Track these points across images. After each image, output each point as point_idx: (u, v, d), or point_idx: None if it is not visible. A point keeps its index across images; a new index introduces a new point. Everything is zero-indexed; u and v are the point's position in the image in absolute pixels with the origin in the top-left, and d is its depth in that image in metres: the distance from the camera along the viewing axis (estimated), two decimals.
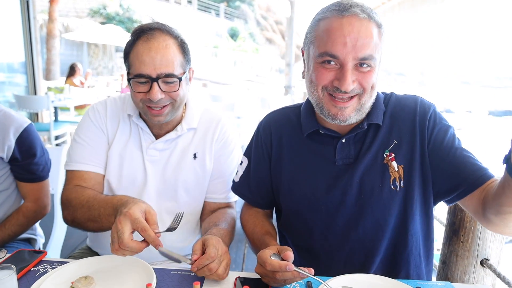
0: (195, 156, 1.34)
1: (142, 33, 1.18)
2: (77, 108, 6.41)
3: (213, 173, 1.38)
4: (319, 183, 1.12)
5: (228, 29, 26.04)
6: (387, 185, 1.07)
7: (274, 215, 1.37)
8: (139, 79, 1.17)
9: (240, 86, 16.47)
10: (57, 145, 5.39)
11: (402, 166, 1.07)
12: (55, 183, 1.88)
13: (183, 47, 1.23)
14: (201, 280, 1.00)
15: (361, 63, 0.97)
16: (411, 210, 1.08)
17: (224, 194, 1.40)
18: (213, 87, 14.84)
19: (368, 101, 1.04)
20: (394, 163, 1.07)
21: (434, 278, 1.38)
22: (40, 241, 1.65)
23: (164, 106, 1.21)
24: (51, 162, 1.56)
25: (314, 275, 0.91)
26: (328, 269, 1.09)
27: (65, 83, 7.23)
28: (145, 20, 18.96)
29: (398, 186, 1.07)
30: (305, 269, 0.90)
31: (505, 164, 0.74)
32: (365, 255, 1.10)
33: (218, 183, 1.39)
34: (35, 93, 5.71)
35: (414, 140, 1.07)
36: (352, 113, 1.03)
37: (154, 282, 0.92)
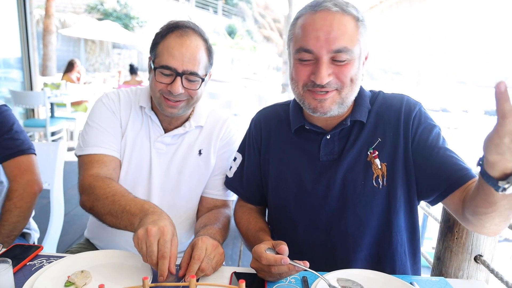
0: (200, 153, 1.38)
1: (176, 28, 1.22)
2: (74, 104, 6.38)
3: (214, 169, 1.40)
4: (304, 179, 1.13)
5: (225, 27, 25.97)
6: (370, 182, 1.08)
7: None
8: (165, 70, 1.20)
9: (238, 84, 16.45)
10: (53, 141, 5.37)
11: (385, 164, 1.08)
12: (51, 179, 1.87)
13: (210, 51, 1.28)
14: None
15: (337, 56, 0.97)
16: (394, 208, 1.08)
17: (222, 191, 1.41)
18: (210, 84, 14.76)
19: (350, 95, 1.03)
20: (377, 161, 1.08)
21: (428, 274, 1.40)
22: (35, 235, 1.64)
23: (180, 101, 1.24)
24: (32, 145, 1.47)
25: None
26: (311, 265, 1.10)
27: (62, 79, 7.19)
28: (143, 16, 18.88)
29: (380, 183, 1.08)
30: (300, 262, 0.90)
31: (478, 167, 0.74)
32: (347, 252, 1.11)
33: (217, 180, 1.41)
34: (31, 89, 5.69)
35: (398, 138, 1.08)
36: (332, 106, 1.03)
37: (150, 277, 0.92)
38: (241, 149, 1.32)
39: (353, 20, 0.99)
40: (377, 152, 1.08)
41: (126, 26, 17.39)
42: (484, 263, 1.17)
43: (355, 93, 1.05)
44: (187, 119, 1.38)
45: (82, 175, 1.24)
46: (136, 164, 1.34)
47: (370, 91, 1.18)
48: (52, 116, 5.59)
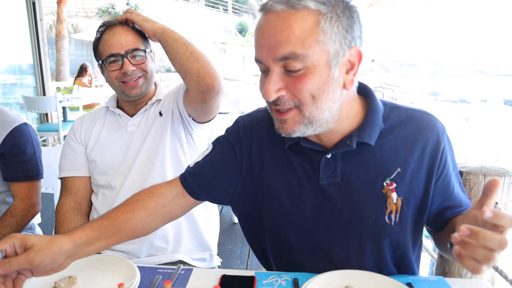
0: (160, 114, 1.46)
1: (105, 27, 1.39)
2: (86, 107, 6.48)
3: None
4: (303, 202, 0.97)
5: (236, 25, 25.94)
6: (382, 218, 0.93)
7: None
8: (111, 58, 1.35)
9: (249, 81, 16.43)
10: None
11: (401, 198, 0.92)
12: (55, 183, 1.90)
13: (140, 32, 1.42)
14: (185, 277, 0.99)
15: (287, 65, 0.78)
16: (404, 245, 0.97)
17: None
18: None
19: (317, 113, 0.82)
20: (394, 194, 0.92)
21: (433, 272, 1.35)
22: None
23: (138, 78, 1.38)
24: (41, 168, 1.57)
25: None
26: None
27: (74, 83, 7.31)
28: (154, 17, 19.03)
29: (393, 219, 0.93)
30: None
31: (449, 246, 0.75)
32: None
33: None
34: (44, 94, 5.79)
35: (420, 172, 0.92)
36: (295, 127, 0.84)
37: (136, 281, 0.91)
38: (215, 141, 1.10)
39: (309, 15, 0.76)
40: (395, 184, 0.92)
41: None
42: None
43: (328, 111, 0.83)
44: (150, 100, 1.49)
45: (58, 201, 1.46)
46: (111, 155, 1.44)
47: (383, 104, 0.96)
48: (65, 120, 5.70)
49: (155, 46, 1.46)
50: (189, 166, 1.08)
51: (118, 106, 1.50)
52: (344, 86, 0.83)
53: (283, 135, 0.88)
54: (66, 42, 11.41)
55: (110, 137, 1.46)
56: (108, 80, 1.40)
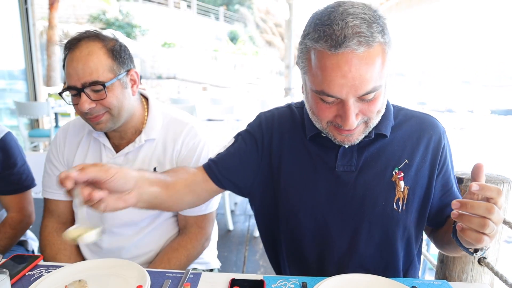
0: (155, 170, 1.28)
1: (70, 46, 1.14)
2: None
3: None
4: (319, 188, 1.05)
5: (227, 33, 26.10)
6: (390, 204, 1.01)
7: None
8: (70, 92, 1.15)
9: (240, 89, 16.50)
10: None
11: (407, 187, 1.02)
12: None
13: (112, 50, 1.16)
14: (194, 281, 1.00)
15: (365, 96, 0.87)
16: (408, 233, 1.06)
17: (198, 207, 1.27)
18: (214, 90, 14.86)
19: (376, 122, 0.96)
20: (401, 183, 1.02)
21: (432, 277, 1.38)
22: (32, 244, 1.64)
23: (98, 115, 1.16)
24: (33, 177, 1.51)
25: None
26: (319, 271, 1.07)
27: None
28: (145, 25, 19.05)
29: (400, 207, 1.02)
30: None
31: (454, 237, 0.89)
32: (355, 269, 1.06)
33: None
34: (36, 100, 5.74)
35: (424, 164, 1.03)
36: (359, 137, 0.96)
37: (147, 285, 0.91)
38: (236, 135, 1.16)
39: (380, 48, 0.84)
40: (402, 174, 1.02)
41: (128, 35, 17.54)
42: (488, 265, 1.15)
43: (380, 117, 0.97)
44: (139, 133, 1.29)
45: (41, 222, 1.38)
46: None
47: (393, 105, 1.09)
48: (57, 125, 5.64)
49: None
50: (210, 158, 1.14)
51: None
52: None
53: (345, 145, 0.99)
54: (57, 48, 11.33)
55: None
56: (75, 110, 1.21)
